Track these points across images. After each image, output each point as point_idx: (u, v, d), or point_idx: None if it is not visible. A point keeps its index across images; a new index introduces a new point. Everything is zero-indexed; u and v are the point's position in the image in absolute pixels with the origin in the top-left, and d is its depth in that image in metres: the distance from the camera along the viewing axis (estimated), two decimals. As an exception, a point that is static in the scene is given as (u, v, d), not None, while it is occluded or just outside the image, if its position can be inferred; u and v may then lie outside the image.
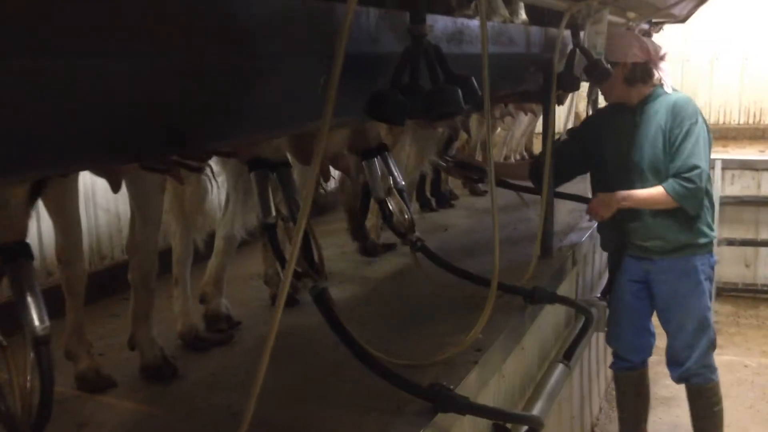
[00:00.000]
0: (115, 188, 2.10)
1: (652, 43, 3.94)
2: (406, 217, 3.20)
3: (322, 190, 3.66)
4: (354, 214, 3.98)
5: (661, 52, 3.87)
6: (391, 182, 3.18)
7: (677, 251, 3.81)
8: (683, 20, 7.27)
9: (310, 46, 1.63)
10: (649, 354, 4.18)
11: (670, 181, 3.65)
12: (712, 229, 3.87)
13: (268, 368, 1.61)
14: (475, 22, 2.68)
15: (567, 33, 3.77)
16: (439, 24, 2.30)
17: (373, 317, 3.16)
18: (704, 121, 3.78)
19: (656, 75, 3.83)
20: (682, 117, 3.70)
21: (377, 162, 3.18)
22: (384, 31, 1.92)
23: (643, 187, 3.75)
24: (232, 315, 2.97)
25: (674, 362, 3.94)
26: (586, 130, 4.27)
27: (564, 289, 4.00)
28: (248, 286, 3.51)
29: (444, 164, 4.26)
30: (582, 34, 3.87)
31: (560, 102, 6.44)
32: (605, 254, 4.44)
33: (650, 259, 3.89)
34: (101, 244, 3.37)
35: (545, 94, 3.55)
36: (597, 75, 3.69)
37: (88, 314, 2.97)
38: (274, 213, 2.50)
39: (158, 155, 1.61)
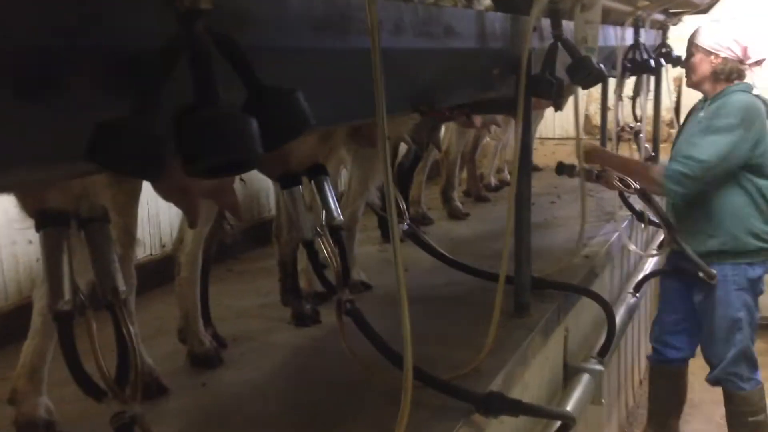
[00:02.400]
0: None
1: (753, 43, 3.64)
2: (337, 264, 2.40)
3: (228, 226, 2.79)
4: (287, 268, 3.06)
5: (758, 57, 3.63)
6: (324, 217, 2.40)
7: (706, 257, 3.69)
8: (705, 10, 6.33)
9: None
10: (690, 355, 4.10)
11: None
12: (759, 238, 3.64)
13: None
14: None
15: (547, 24, 2.89)
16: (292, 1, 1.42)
17: (263, 420, 2.28)
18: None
19: (747, 77, 3.65)
20: (721, 112, 3.51)
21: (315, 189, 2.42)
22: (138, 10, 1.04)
23: None
24: (54, 420, 2.11)
25: (708, 364, 3.93)
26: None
27: (547, 355, 3.10)
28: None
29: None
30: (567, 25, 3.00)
31: (558, 107, 5.55)
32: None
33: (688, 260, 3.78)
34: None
35: (514, 103, 2.64)
36: (583, 78, 2.80)
37: None
38: (68, 295, 1.65)
39: None
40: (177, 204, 2.06)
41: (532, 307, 3.09)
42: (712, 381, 3.96)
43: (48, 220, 1.66)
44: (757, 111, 3.55)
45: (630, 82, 5.21)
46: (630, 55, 4.71)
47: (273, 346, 2.78)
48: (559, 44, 2.82)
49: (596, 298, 3.35)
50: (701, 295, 3.80)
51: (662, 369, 4.17)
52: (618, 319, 3.86)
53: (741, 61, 3.57)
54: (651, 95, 5.51)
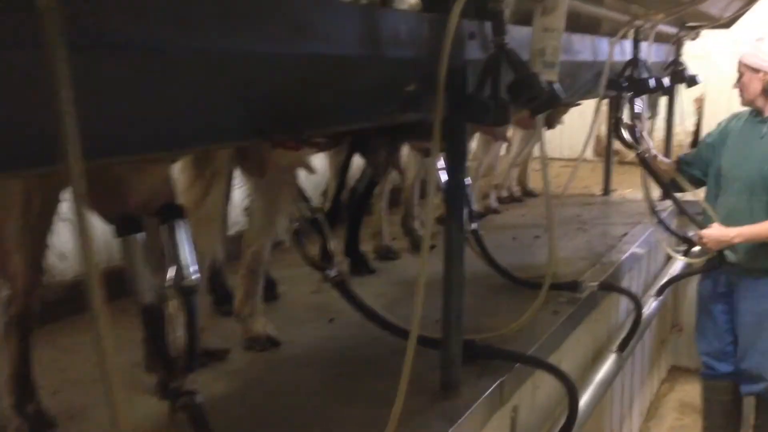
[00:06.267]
0: None
1: None
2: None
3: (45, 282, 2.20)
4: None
5: None
6: (173, 275, 1.87)
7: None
8: (726, 25, 5.64)
9: None
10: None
11: None
12: None
13: None
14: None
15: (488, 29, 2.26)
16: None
17: None
18: None
19: None
20: None
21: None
22: None
23: (748, 201, 3.68)
24: None
25: (744, 381, 3.91)
26: (717, 132, 4.10)
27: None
28: None
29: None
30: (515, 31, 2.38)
31: (550, 125, 4.94)
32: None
33: (736, 274, 3.84)
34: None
35: (434, 129, 2.01)
36: (529, 101, 2.16)
37: None
38: None
39: None
40: None
41: (464, 384, 2.46)
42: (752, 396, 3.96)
43: None
44: None
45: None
46: (628, 72, 4.05)
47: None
48: (504, 56, 2.19)
49: (552, 370, 2.70)
50: (745, 305, 3.79)
51: (716, 385, 4.08)
52: (589, 392, 3.20)
53: None
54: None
